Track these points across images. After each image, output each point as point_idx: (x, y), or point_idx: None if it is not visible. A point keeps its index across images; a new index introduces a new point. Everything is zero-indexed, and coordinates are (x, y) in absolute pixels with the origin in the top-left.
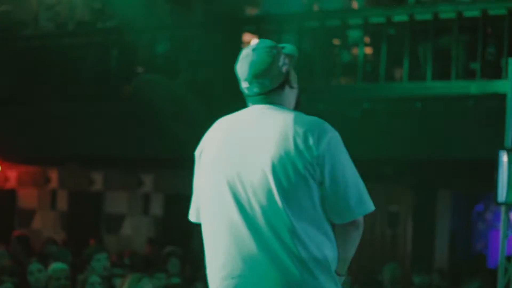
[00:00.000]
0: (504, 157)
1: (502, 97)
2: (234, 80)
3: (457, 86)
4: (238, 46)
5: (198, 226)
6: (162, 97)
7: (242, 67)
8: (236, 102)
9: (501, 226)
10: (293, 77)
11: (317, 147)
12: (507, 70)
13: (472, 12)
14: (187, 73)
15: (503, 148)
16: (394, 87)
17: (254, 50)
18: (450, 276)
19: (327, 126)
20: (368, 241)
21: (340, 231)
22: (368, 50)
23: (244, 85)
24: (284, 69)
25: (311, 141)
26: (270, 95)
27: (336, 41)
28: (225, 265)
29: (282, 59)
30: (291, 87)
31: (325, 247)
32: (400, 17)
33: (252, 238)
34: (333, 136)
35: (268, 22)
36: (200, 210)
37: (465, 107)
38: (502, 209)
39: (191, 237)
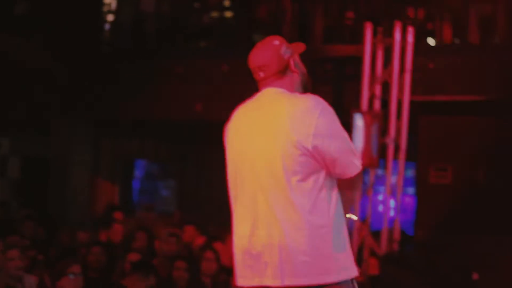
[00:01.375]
0: (358, 120)
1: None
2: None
3: (316, 49)
4: (97, 8)
5: (53, 190)
6: (20, 58)
7: (249, 59)
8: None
9: None
10: (297, 64)
11: (314, 124)
12: (364, 34)
13: None
14: (45, 34)
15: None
16: None
17: (260, 43)
18: None
19: (318, 105)
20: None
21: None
22: (228, 14)
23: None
24: (286, 56)
25: (310, 119)
26: (273, 80)
27: (197, 5)
28: (243, 228)
29: (284, 49)
30: (292, 71)
31: (324, 215)
32: None
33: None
34: (325, 113)
35: None
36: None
37: (323, 71)
38: None
39: (46, 200)
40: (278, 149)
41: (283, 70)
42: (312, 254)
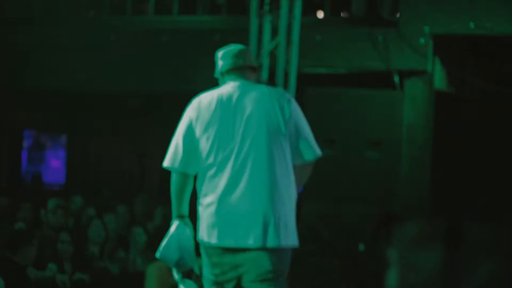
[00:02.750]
0: None
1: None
2: None
3: (202, 21)
4: None
5: None
6: None
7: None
8: None
9: None
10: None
11: (289, 109)
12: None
13: None
14: None
15: None
16: (141, 20)
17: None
18: None
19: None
20: (116, 174)
21: (300, 168)
22: None
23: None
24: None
25: (284, 105)
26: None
27: None
28: (222, 193)
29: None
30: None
31: (292, 185)
32: None
33: (244, 176)
34: (294, 101)
35: None
36: (191, 157)
37: (210, 42)
38: None
39: None
40: None
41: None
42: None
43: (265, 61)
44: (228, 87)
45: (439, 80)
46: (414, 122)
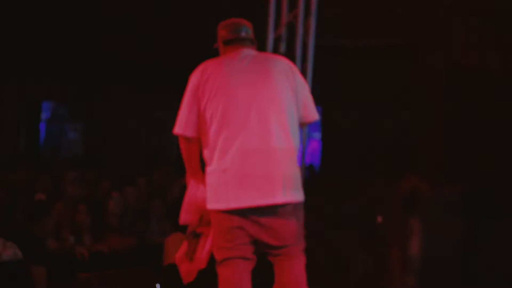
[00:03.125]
0: None
1: None
2: None
3: None
4: None
5: None
6: None
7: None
8: None
9: None
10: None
11: (295, 75)
12: None
13: None
14: None
15: None
16: None
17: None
18: None
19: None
20: (135, 146)
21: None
22: None
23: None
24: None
25: (290, 72)
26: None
27: None
28: (234, 157)
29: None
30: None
31: (299, 140)
32: None
33: (261, 135)
34: (297, 69)
35: None
36: (198, 123)
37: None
38: None
39: None
40: None
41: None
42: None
43: (284, 32)
44: (234, 55)
45: (456, 52)
46: (428, 91)
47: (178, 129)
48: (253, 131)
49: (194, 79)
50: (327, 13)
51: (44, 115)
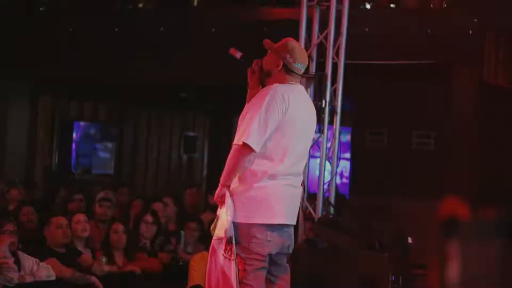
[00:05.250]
0: None
1: None
2: None
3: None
4: None
5: None
6: None
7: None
8: None
9: None
10: None
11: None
12: None
13: None
14: None
15: None
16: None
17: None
18: None
19: None
20: (166, 166)
21: None
22: None
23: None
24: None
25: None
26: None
27: None
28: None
29: None
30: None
31: None
32: None
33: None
34: None
35: None
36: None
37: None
38: None
39: None
40: None
41: None
42: None
43: (314, 53)
44: (298, 90)
45: (488, 70)
46: (462, 113)
47: (252, 143)
48: (294, 163)
49: (279, 102)
50: (358, 33)
51: (75, 135)
